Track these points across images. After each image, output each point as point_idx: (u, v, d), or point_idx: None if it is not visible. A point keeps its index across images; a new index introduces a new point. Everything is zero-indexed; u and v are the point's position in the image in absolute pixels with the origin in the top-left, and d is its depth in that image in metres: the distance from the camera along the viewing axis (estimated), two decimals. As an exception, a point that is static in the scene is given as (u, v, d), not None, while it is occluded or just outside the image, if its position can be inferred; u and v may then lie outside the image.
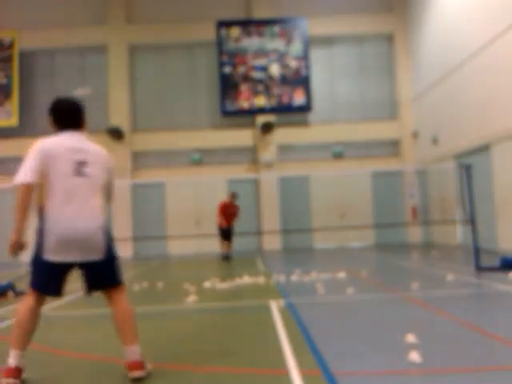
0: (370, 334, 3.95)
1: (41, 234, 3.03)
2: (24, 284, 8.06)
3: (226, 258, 12.07)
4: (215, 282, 7.58)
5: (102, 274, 3.17)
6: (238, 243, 15.90)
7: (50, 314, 5.74)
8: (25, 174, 3.08)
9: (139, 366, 3.03)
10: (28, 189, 3.04)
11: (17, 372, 2.93)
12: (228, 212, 12.18)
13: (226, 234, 12.20)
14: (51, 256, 3.00)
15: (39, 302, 3.16)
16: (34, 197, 3.05)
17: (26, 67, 17.51)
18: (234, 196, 12.38)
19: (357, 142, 17.20)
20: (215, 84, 17.30)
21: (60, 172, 3.07)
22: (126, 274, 10.39)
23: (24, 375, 3.01)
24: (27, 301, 3.14)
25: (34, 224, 3.12)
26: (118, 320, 3.15)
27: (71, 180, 3.08)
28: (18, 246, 3.00)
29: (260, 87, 16.98)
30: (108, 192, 3.37)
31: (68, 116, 3.27)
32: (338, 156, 17.16)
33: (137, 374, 3.00)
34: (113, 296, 3.20)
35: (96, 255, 3.08)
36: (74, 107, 3.33)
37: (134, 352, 3.07)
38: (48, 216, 3.03)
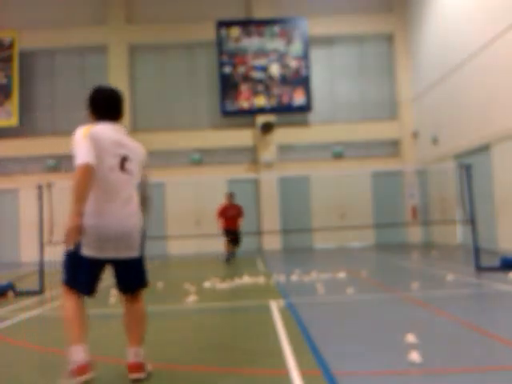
0: (370, 334, 3.95)
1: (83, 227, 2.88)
2: (24, 284, 8.06)
3: (228, 259, 11.63)
4: (215, 281, 7.58)
5: (134, 273, 3.11)
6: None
7: (49, 314, 5.75)
8: (82, 155, 2.88)
9: (140, 368, 3.02)
10: (88, 169, 2.84)
11: (89, 367, 2.83)
12: (229, 214, 11.74)
13: (233, 238, 11.70)
14: (88, 252, 2.89)
15: (80, 299, 3.05)
16: (92, 180, 2.85)
17: (26, 67, 17.51)
18: (231, 196, 12.03)
19: (357, 141, 17.20)
20: (215, 84, 17.30)
21: (106, 165, 2.94)
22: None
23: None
24: (69, 298, 2.99)
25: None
26: (130, 319, 3.11)
27: (116, 175, 2.97)
28: (77, 231, 2.74)
29: (260, 87, 16.97)
30: (143, 192, 3.25)
31: (108, 106, 3.12)
32: (338, 156, 17.16)
33: (136, 375, 2.99)
34: (134, 295, 3.15)
35: (132, 253, 3.02)
36: (114, 97, 3.18)
37: (136, 354, 3.03)
38: (89, 210, 2.86)
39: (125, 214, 2.97)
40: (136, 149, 3.15)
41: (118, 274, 3.10)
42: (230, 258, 11.73)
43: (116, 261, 3.01)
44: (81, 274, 2.98)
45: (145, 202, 3.26)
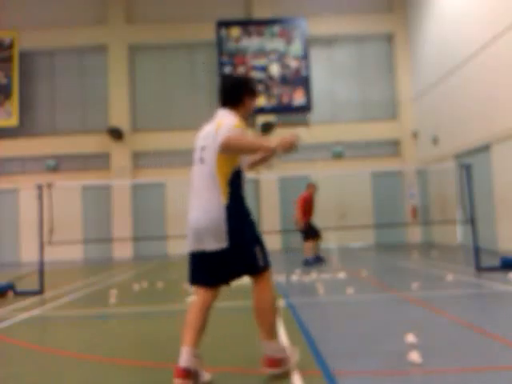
0: (370, 334, 3.95)
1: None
2: (24, 284, 8.06)
3: (309, 262, 10.07)
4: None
5: (230, 264, 2.89)
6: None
7: (49, 314, 5.74)
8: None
9: (268, 362, 2.89)
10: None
11: (185, 373, 2.71)
12: (309, 206, 10.38)
13: (306, 233, 10.35)
14: (187, 245, 3.05)
15: (204, 298, 2.96)
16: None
17: (26, 67, 17.50)
18: (314, 187, 10.50)
19: (357, 141, 17.20)
20: (215, 84, 17.29)
21: (194, 161, 3.07)
22: (126, 274, 10.39)
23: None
24: (196, 298, 3.01)
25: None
26: (253, 310, 2.97)
27: (196, 168, 3.03)
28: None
29: (260, 87, 16.97)
30: (235, 150, 2.88)
31: (221, 94, 3.16)
32: (338, 156, 17.16)
33: (267, 370, 2.89)
34: (253, 283, 2.98)
35: (219, 244, 2.86)
36: (222, 84, 3.19)
37: (265, 348, 2.91)
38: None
39: (195, 204, 2.99)
40: (209, 132, 2.99)
41: (215, 266, 2.96)
42: (322, 257, 10.33)
43: (209, 253, 2.91)
44: (191, 268, 3.08)
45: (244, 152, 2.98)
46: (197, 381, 2.76)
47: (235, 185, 2.94)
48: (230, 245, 2.85)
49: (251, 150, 2.85)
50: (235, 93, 3.12)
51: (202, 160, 2.97)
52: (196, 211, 2.95)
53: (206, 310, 2.96)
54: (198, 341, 2.86)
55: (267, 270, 2.99)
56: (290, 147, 2.92)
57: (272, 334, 2.93)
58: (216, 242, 2.87)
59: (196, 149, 3.08)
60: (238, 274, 2.95)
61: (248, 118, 3.22)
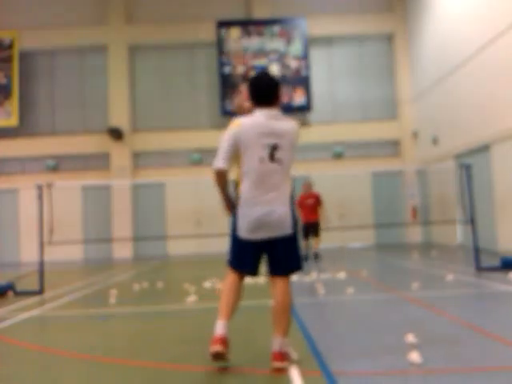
0: (370, 334, 3.95)
1: (236, 215, 3.24)
2: (24, 284, 8.07)
3: (305, 258, 10.49)
4: (215, 282, 7.57)
5: (286, 253, 3.22)
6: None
7: (49, 314, 5.75)
8: (218, 159, 3.20)
9: (282, 357, 3.06)
10: (219, 174, 3.21)
11: (222, 340, 3.04)
12: (307, 203, 10.91)
13: (312, 230, 10.88)
14: (244, 234, 3.19)
15: (239, 278, 3.30)
16: (227, 178, 3.25)
17: (26, 67, 17.50)
18: (309, 185, 11.22)
19: (357, 141, 17.20)
20: (215, 84, 17.30)
21: (254, 157, 3.14)
22: (126, 274, 10.39)
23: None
24: (229, 276, 3.29)
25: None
26: (272, 308, 3.22)
27: (265, 165, 3.14)
28: (230, 208, 3.34)
29: (260, 87, 16.95)
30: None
31: (260, 92, 3.23)
32: (338, 156, 17.16)
33: (277, 364, 3.04)
34: (278, 282, 3.23)
35: (283, 232, 3.17)
36: (266, 82, 3.27)
37: (276, 343, 3.09)
38: (242, 199, 3.19)
39: (274, 204, 3.15)
40: (287, 133, 3.23)
41: (270, 257, 3.25)
42: (308, 257, 10.74)
43: (269, 242, 3.19)
44: (240, 254, 3.28)
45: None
46: (228, 350, 3.11)
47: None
48: (292, 232, 3.23)
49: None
50: (277, 91, 3.29)
51: (274, 158, 3.16)
52: (273, 204, 3.15)
53: (238, 288, 3.28)
54: (231, 315, 3.22)
55: (299, 271, 3.35)
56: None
57: (287, 331, 3.16)
58: (284, 229, 3.18)
59: (256, 145, 3.15)
60: (289, 266, 3.25)
61: None
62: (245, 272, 3.30)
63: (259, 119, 3.19)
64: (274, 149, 3.15)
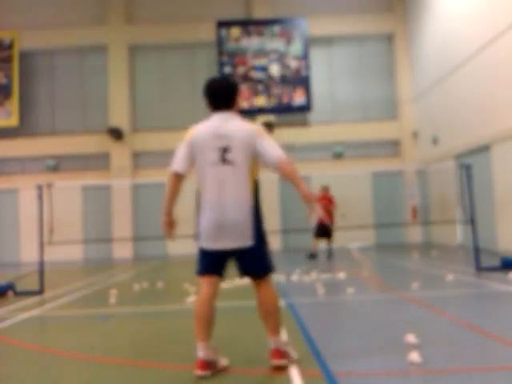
0: (370, 334, 3.95)
1: (197, 222, 3.19)
2: (24, 284, 8.07)
3: (312, 255, 11.18)
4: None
5: (250, 262, 3.15)
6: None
7: (49, 314, 5.75)
8: (174, 162, 3.18)
9: (280, 354, 3.07)
10: (174, 177, 3.15)
11: (204, 364, 3.00)
12: (322, 204, 11.38)
13: (322, 231, 11.31)
14: (203, 243, 3.15)
15: (209, 290, 3.16)
16: (179, 186, 3.17)
17: (25, 67, 17.50)
18: (326, 189, 11.70)
19: (357, 141, 17.20)
20: (215, 84, 17.27)
21: (207, 160, 3.11)
22: (126, 274, 10.40)
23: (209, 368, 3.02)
24: (200, 292, 3.20)
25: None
26: (258, 311, 3.19)
27: (217, 168, 3.09)
28: (167, 225, 3.19)
29: (260, 87, 16.98)
30: (266, 160, 3.09)
31: (215, 97, 3.20)
32: (338, 156, 17.16)
33: (276, 362, 3.06)
34: (257, 285, 3.18)
35: (243, 242, 3.09)
36: (221, 87, 3.22)
37: (272, 342, 3.12)
38: (202, 205, 3.16)
39: (228, 206, 3.08)
40: (239, 134, 3.11)
41: (237, 263, 3.21)
42: (317, 255, 11.31)
43: (231, 251, 3.14)
44: (205, 263, 3.22)
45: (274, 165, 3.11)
46: (215, 369, 3.06)
47: (256, 189, 3.22)
48: (255, 243, 3.12)
49: (295, 184, 3.02)
50: (234, 95, 3.24)
51: (225, 161, 3.08)
52: (226, 210, 3.07)
53: (212, 302, 3.15)
54: (209, 334, 3.10)
55: (272, 273, 3.25)
56: (311, 203, 3.05)
57: (277, 330, 3.14)
58: (242, 240, 3.09)
59: (207, 149, 3.11)
60: (257, 271, 3.17)
61: None
62: (212, 275, 3.19)
63: (212, 123, 3.16)
64: (224, 151, 3.08)
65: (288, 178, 3.02)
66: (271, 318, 3.14)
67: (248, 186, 3.12)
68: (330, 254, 11.42)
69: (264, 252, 3.20)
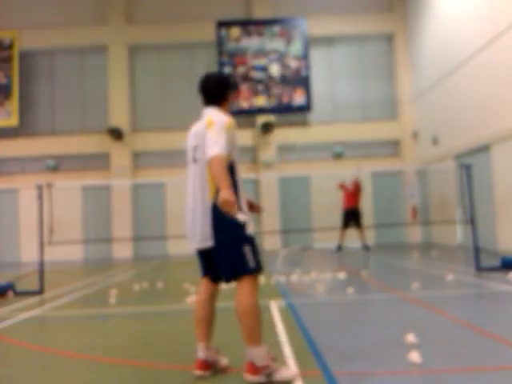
0: (370, 334, 3.95)
1: None
2: (24, 284, 8.07)
3: (338, 248, 10.94)
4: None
5: (219, 263, 2.97)
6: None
7: (49, 314, 5.75)
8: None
9: (247, 368, 2.83)
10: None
11: (204, 364, 3.00)
12: (348, 190, 11.39)
13: (349, 218, 11.21)
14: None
15: (202, 290, 3.12)
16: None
17: (25, 67, 17.50)
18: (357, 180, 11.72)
19: (357, 141, 17.20)
20: (215, 84, 17.28)
21: (188, 161, 3.18)
22: (126, 274, 10.39)
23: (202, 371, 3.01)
24: (199, 291, 3.18)
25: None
26: (235, 314, 2.92)
27: (190, 168, 3.14)
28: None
29: (260, 87, 16.97)
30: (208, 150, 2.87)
31: (203, 92, 3.19)
32: (338, 156, 17.16)
33: (246, 377, 2.82)
34: (237, 287, 2.93)
35: (204, 243, 2.99)
36: (208, 83, 3.17)
37: (248, 353, 2.84)
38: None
39: (189, 204, 3.10)
40: (199, 131, 3.04)
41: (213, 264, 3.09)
42: (341, 247, 11.20)
43: (203, 251, 3.09)
44: (199, 262, 3.22)
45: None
46: (215, 369, 3.05)
47: (232, 171, 2.98)
48: (216, 244, 2.94)
49: (217, 182, 2.80)
50: (220, 91, 3.17)
51: (194, 160, 3.08)
52: (189, 211, 3.09)
53: (208, 303, 3.10)
54: (208, 334, 3.09)
55: (255, 273, 2.92)
56: (228, 209, 2.73)
57: (252, 339, 2.82)
58: (204, 241, 2.98)
59: (188, 149, 3.17)
60: (226, 274, 2.96)
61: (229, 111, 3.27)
62: (204, 276, 3.16)
63: (199, 120, 3.17)
64: (194, 150, 3.09)
65: (215, 178, 2.80)
66: (243, 323, 2.84)
67: (207, 182, 2.97)
68: (365, 247, 11.41)
69: (236, 252, 2.87)
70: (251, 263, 2.89)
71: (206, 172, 2.98)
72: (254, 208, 3.33)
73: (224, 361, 3.14)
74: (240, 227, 2.87)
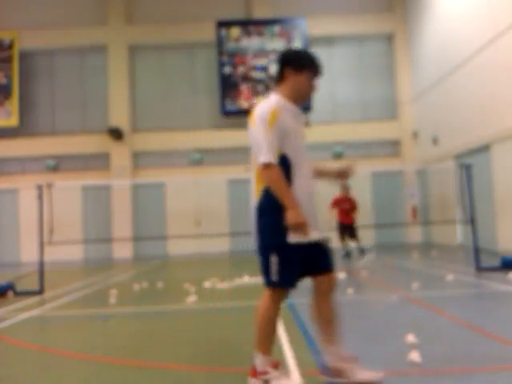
0: (370, 334, 3.95)
1: None
2: (24, 284, 8.07)
3: (346, 254, 11.52)
4: (215, 281, 7.58)
5: (260, 266, 2.74)
6: (238, 243, 15.89)
7: (49, 314, 5.75)
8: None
9: (250, 371, 2.76)
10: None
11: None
12: (343, 207, 11.62)
13: (349, 232, 11.69)
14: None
15: (312, 290, 2.95)
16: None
17: (25, 67, 17.50)
18: (347, 188, 11.81)
19: (357, 141, 17.20)
20: (215, 84, 17.30)
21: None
22: (126, 274, 10.39)
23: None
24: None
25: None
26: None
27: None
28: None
29: (260, 87, 16.97)
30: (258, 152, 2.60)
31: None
32: (338, 156, 17.16)
33: (249, 380, 2.76)
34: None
35: (256, 243, 2.74)
36: (278, 61, 2.83)
37: (254, 357, 2.77)
38: None
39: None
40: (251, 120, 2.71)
41: None
42: (349, 253, 11.68)
43: None
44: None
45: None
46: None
47: (286, 166, 2.67)
48: (258, 245, 2.74)
49: (278, 198, 2.56)
50: (279, 68, 2.82)
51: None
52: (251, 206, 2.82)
53: (319, 300, 3.00)
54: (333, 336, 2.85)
55: (277, 289, 2.70)
56: (300, 232, 2.54)
57: (260, 347, 2.73)
58: (255, 239, 2.76)
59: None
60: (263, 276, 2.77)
61: (303, 99, 2.84)
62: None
63: None
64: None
65: (273, 192, 2.57)
66: (255, 330, 2.76)
67: (256, 180, 2.71)
68: (361, 251, 11.78)
69: (264, 259, 2.68)
70: (273, 276, 2.65)
71: (255, 169, 2.70)
72: (342, 174, 3.08)
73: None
74: (274, 232, 2.61)
